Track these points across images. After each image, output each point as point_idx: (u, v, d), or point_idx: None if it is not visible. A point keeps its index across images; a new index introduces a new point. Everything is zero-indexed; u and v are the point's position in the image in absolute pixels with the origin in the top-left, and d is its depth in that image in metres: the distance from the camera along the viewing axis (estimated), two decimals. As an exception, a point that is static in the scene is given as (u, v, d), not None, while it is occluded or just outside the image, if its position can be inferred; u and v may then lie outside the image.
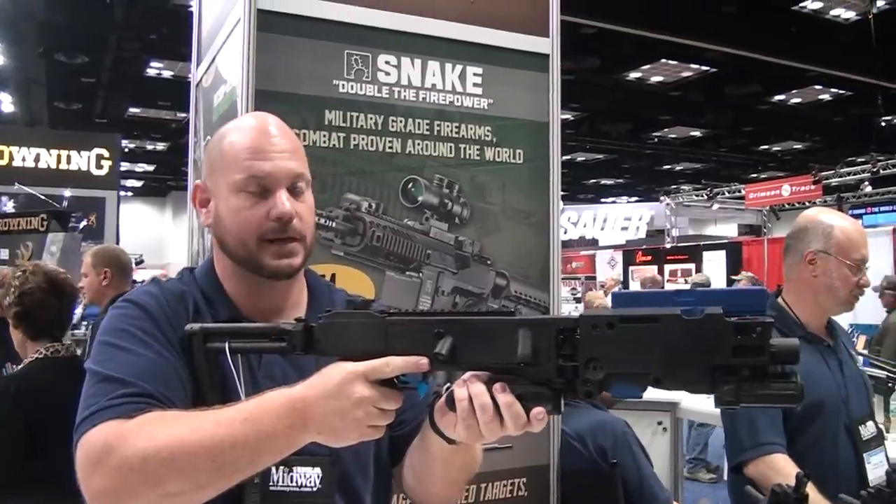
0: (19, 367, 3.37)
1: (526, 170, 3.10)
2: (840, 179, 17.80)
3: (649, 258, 17.87)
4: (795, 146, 23.32)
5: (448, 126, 2.96)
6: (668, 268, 15.56)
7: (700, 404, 5.22)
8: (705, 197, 20.75)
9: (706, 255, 16.37)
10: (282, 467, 1.47)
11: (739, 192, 20.12)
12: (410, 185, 2.88)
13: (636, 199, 31.13)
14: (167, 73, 16.05)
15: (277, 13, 2.69)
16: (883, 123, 16.02)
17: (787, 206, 18.85)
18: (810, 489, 2.22)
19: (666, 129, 21.58)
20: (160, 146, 23.28)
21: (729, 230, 27.14)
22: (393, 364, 1.23)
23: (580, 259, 21.27)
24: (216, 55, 3.17)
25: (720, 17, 12.18)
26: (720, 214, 25.39)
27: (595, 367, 1.13)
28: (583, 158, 24.58)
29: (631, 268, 18.03)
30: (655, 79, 16.80)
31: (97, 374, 1.40)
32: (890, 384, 4.22)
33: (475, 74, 3.01)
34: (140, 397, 1.35)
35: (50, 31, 13.14)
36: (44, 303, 3.33)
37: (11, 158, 13.24)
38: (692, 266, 16.05)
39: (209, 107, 3.30)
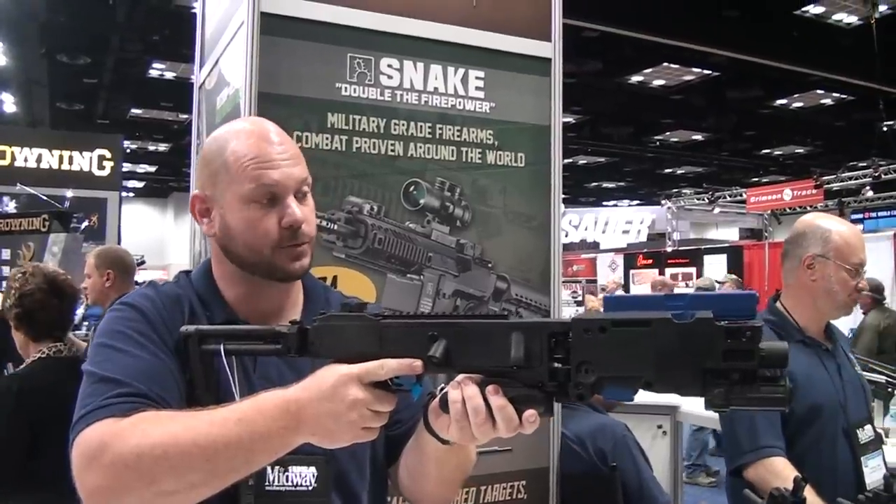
0: (21, 366, 3.38)
1: (527, 173, 3.11)
2: (841, 184, 17.81)
3: (650, 262, 17.85)
4: (797, 150, 23.32)
5: (450, 129, 2.97)
6: (668, 271, 15.54)
7: (700, 408, 5.19)
8: (706, 201, 20.75)
9: (707, 258, 16.36)
10: (277, 467, 1.48)
11: (741, 196, 20.12)
12: (412, 188, 2.89)
13: (637, 202, 31.15)
14: (169, 75, 16.07)
15: (281, 16, 2.70)
16: (885, 128, 15.99)
17: (788, 210, 18.85)
18: (808, 492, 2.23)
19: (668, 133, 21.58)
20: (162, 147, 23.30)
21: (730, 234, 27.12)
22: (387, 366, 1.24)
23: (581, 262, 21.26)
24: (219, 58, 3.18)
25: (722, 22, 12.19)
26: (721, 218, 25.38)
27: (587, 371, 1.14)
28: (584, 162, 24.58)
29: (632, 271, 18.01)
30: (657, 82, 16.81)
31: (93, 374, 1.41)
32: (890, 389, 4.23)
33: (477, 78, 3.02)
34: (135, 397, 1.36)
35: (52, 32, 13.15)
36: (44, 304, 3.34)
37: (13, 159, 13.25)
38: (693, 270, 16.04)
39: (212, 109, 3.31)
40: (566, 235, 25.23)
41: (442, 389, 1.28)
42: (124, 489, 1.26)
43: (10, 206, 11.65)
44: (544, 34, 3.17)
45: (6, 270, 8.54)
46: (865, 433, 2.70)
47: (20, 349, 3.39)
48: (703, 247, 17.74)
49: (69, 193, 12.58)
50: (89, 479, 1.28)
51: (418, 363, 1.24)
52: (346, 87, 2.80)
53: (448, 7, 2.99)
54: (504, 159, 3.07)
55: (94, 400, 1.36)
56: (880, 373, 4.32)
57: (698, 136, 21.84)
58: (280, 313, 1.63)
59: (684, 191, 25.77)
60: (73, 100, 17.93)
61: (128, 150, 21.42)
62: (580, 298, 15.71)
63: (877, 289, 9.20)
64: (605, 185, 29.95)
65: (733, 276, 12.86)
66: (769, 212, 20.03)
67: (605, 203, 32.66)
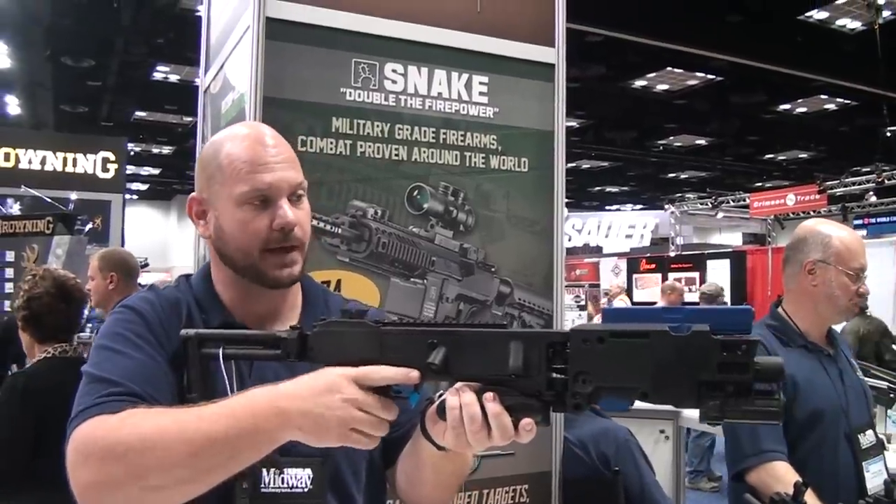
0: (27, 366, 3.40)
1: (531, 178, 3.12)
2: (845, 189, 17.78)
3: (653, 266, 17.82)
4: (800, 155, 23.31)
5: (454, 134, 2.98)
6: (671, 276, 15.49)
7: (702, 413, 5.19)
8: (710, 205, 20.73)
9: (710, 263, 16.34)
10: (273, 469, 1.49)
11: (744, 200, 20.09)
12: (416, 193, 2.90)
13: (641, 206, 31.13)
14: (173, 77, 16.09)
15: (286, 21, 2.72)
16: (888, 133, 15.98)
17: (791, 215, 18.81)
18: (809, 497, 2.24)
19: (671, 138, 21.57)
20: (166, 150, 23.32)
21: (733, 239, 27.11)
22: (384, 373, 1.26)
23: (584, 266, 21.23)
24: (224, 62, 3.20)
25: (726, 27, 12.19)
26: (725, 223, 25.35)
27: (584, 381, 1.16)
28: (588, 166, 24.58)
29: (635, 276, 17.99)
30: (661, 87, 16.81)
31: (90, 375, 1.44)
32: (892, 395, 4.23)
33: (481, 83, 3.04)
34: (127, 396, 1.38)
35: (57, 35, 13.18)
36: (52, 308, 3.36)
37: (18, 161, 13.28)
38: (696, 275, 16.02)
39: (217, 113, 3.32)
40: (569, 240, 25.20)
41: (440, 396, 1.28)
42: (113, 484, 1.27)
43: (15, 209, 11.68)
44: (548, 40, 3.18)
45: (9, 273, 8.58)
46: (867, 438, 2.71)
47: (26, 349, 3.41)
48: (706, 252, 17.72)
49: (73, 196, 12.61)
50: (81, 475, 1.29)
51: (415, 374, 1.26)
52: (350, 92, 2.81)
53: (452, 13, 3.00)
54: (507, 164, 3.08)
55: (89, 399, 1.38)
56: (882, 379, 4.33)
57: (702, 141, 21.83)
58: (277, 317, 1.64)
59: (688, 195, 25.74)
60: (77, 102, 17.95)
61: (131, 153, 21.44)
62: (583, 303, 15.71)
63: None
64: (608, 189, 29.95)
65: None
66: (772, 217, 20.00)
67: (608, 207, 32.65)
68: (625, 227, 25.50)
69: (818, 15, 12.69)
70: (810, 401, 2.63)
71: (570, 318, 12.95)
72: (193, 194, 1.67)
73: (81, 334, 3.87)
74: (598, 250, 23.60)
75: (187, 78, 15.35)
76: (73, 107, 18.23)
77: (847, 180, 17.50)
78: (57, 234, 8.74)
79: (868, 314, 9.41)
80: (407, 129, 2.90)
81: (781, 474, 2.49)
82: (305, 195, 1.63)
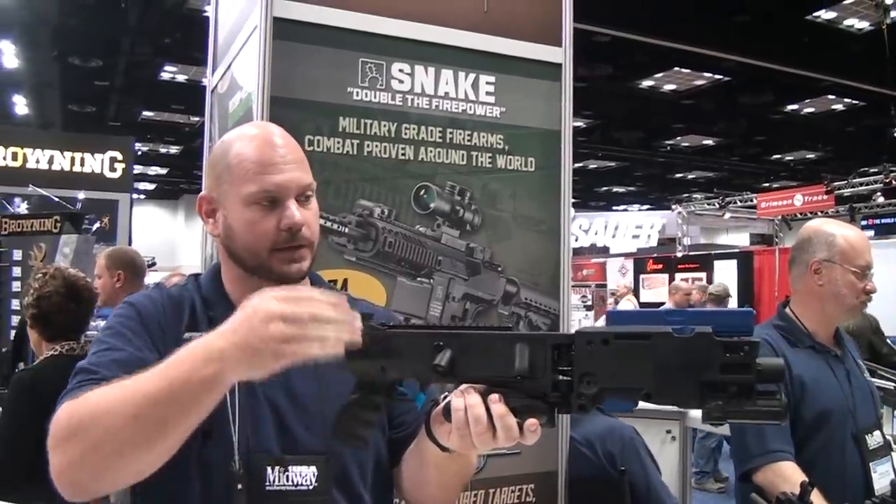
0: (35, 362, 3.42)
1: (537, 178, 3.12)
2: (852, 190, 17.73)
3: (660, 266, 17.79)
4: (808, 156, 23.27)
5: (460, 134, 2.98)
6: (679, 276, 15.48)
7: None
8: (717, 206, 20.70)
9: (717, 263, 16.30)
10: (277, 467, 1.50)
11: (751, 201, 20.07)
12: (423, 192, 2.91)
13: (648, 207, 31.10)
14: (181, 77, 16.12)
15: (293, 21, 2.72)
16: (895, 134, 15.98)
17: (799, 215, 18.78)
18: (816, 497, 2.24)
19: (678, 138, 21.55)
20: (173, 149, 23.38)
21: (741, 239, 27.07)
22: (311, 294, 1.24)
23: (591, 266, 21.22)
24: (232, 62, 3.20)
25: (734, 27, 12.18)
26: (732, 223, 25.34)
27: (589, 382, 1.17)
28: (595, 166, 24.56)
29: (642, 276, 17.97)
30: (668, 87, 16.80)
31: (77, 367, 1.48)
32: (899, 395, 4.23)
33: (488, 83, 3.04)
34: (97, 381, 1.38)
35: (64, 35, 13.22)
36: (61, 307, 3.36)
37: (25, 160, 13.31)
38: (703, 275, 15.99)
39: (224, 113, 3.33)
40: (576, 240, 25.18)
41: (446, 397, 1.29)
42: (76, 463, 1.28)
43: (22, 208, 11.70)
44: (555, 39, 3.18)
45: (17, 271, 8.59)
46: (874, 439, 2.71)
47: (33, 346, 3.43)
48: (713, 252, 17.69)
49: (81, 195, 12.62)
50: (52, 462, 1.30)
51: (343, 301, 1.24)
52: (357, 92, 2.82)
53: (459, 12, 3.00)
54: (514, 164, 3.08)
55: (70, 386, 1.42)
56: (889, 379, 4.32)
57: (709, 141, 21.81)
58: None
59: (695, 196, 25.72)
60: (84, 102, 18.00)
61: (139, 153, 21.48)
62: (590, 303, 15.70)
63: None
64: (615, 189, 29.93)
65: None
66: (780, 217, 19.97)
67: (615, 207, 32.62)
68: (632, 227, 25.49)
69: (826, 15, 12.67)
70: (817, 401, 2.63)
71: (577, 318, 12.96)
72: (203, 193, 1.69)
73: (89, 332, 3.88)
74: (604, 250, 23.60)
75: (195, 78, 15.38)
76: (81, 107, 18.28)
77: (854, 181, 17.45)
78: (64, 234, 8.74)
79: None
80: (414, 129, 2.90)
81: (788, 474, 2.49)
82: (314, 195, 1.64)
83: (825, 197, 17.53)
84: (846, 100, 17.29)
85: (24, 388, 3.20)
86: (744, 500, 2.47)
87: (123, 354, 1.48)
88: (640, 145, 21.46)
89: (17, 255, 8.82)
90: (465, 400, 1.24)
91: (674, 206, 21.66)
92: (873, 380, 3.01)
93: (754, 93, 16.04)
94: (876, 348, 8.24)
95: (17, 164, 13.23)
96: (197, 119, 17.98)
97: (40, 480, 3.06)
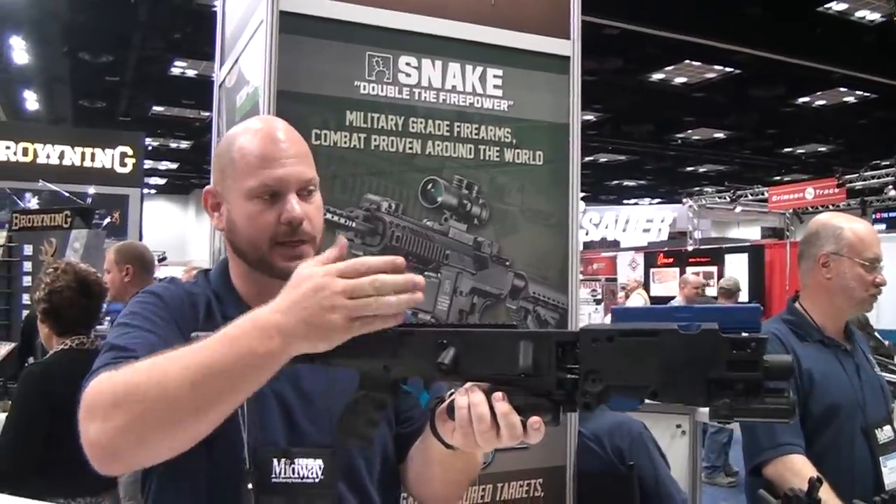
0: (45, 356, 3.43)
1: (545, 171, 3.11)
2: (864, 183, 17.66)
3: (671, 260, 17.72)
4: (819, 149, 23.18)
5: (468, 127, 2.97)
6: (689, 270, 15.42)
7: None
8: (728, 199, 20.64)
9: (728, 257, 16.24)
10: (283, 459, 1.49)
11: (762, 194, 20.00)
12: (430, 186, 2.90)
13: (658, 200, 31.03)
14: (191, 72, 16.15)
15: (300, 15, 2.71)
16: (908, 126, 15.91)
17: (810, 209, 18.72)
18: (826, 492, 2.23)
19: (689, 131, 21.50)
20: (184, 144, 23.44)
21: (752, 233, 26.98)
22: (368, 264, 1.21)
23: (601, 260, 21.20)
24: (239, 56, 3.20)
25: (744, 19, 12.13)
26: (743, 217, 25.26)
27: (594, 380, 1.16)
28: (605, 160, 24.53)
29: (652, 270, 17.91)
30: (679, 80, 16.75)
31: (107, 345, 1.47)
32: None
33: (495, 76, 3.02)
34: (131, 358, 1.36)
35: (75, 31, 13.27)
36: (73, 302, 3.38)
37: (36, 155, 13.37)
38: (714, 269, 15.94)
39: (232, 107, 3.33)
40: (586, 234, 25.17)
41: (451, 394, 1.28)
42: (119, 432, 1.24)
43: (33, 203, 11.75)
44: (563, 32, 3.16)
45: (28, 266, 8.62)
46: (884, 433, 2.69)
47: (44, 340, 3.44)
48: (724, 246, 17.63)
49: (91, 190, 12.67)
50: (89, 430, 1.27)
51: (400, 260, 1.22)
52: (364, 86, 2.81)
53: (466, 5, 2.99)
54: (522, 157, 3.06)
55: (99, 363, 1.41)
56: (900, 374, 4.29)
57: (720, 134, 21.75)
58: None
59: (706, 189, 25.66)
60: (95, 97, 18.06)
61: (150, 148, 21.56)
62: (599, 297, 15.67)
63: None
64: (625, 183, 29.88)
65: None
66: (791, 211, 19.91)
67: (625, 201, 32.58)
68: (642, 221, 25.46)
69: (837, 7, 12.61)
70: (827, 395, 2.62)
71: (587, 312, 12.95)
72: (208, 187, 1.70)
73: (99, 327, 3.89)
74: (615, 244, 23.56)
75: (205, 73, 15.40)
76: (92, 102, 18.34)
77: (866, 174, 17.37)
78: (75, 228, 8.77)
79: None
80: (421, 123, 2.89)
81: (798, 467, 2.48)
82: (317, 190, 1.64)
83: (836, 190, 17.45)
84: (858, 92, 17.21)
85: (34, 382, 3.22)
86: (753, 493, 2.46)
87: (151, 337, 1.48)
88: (651, 139, 21.41)
89: (28, 250, 8.86)
90: (468, 398, 1.24)
91: (684, 200, 21.60)
92: (883, 374, 2.99)
93: (765, 85, 15.99)
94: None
95: (28, 159, 13.30)
96: (207, 114, 17.98)
97: (49, 474, 3.09)
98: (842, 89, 17.02)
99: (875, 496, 2.33)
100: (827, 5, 12.53)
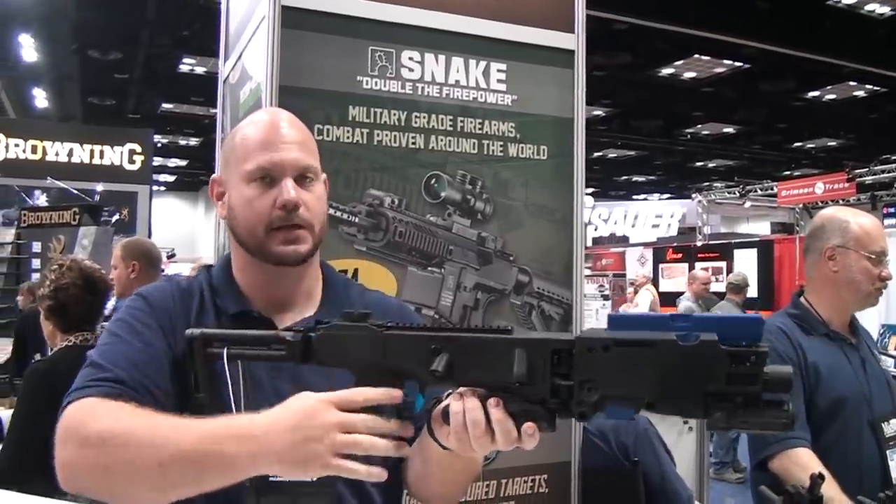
0: (49, 353, 3.43)
1: (550, 166, 3.09)
2: (874, 177, 17.55)
3: (680, 256, 17.66)
4: (829, 143, 23.10)
5: (471, 122, 2.95)
6: (698, 265, 15.36)
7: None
8: (737, 194, 20.56)
9: (737, 252, 16.17)
10: None
11: (772, 189, 19.93)
12: (433, 181, 2.89)
13: (668, 196, 30.96)
14: (199, 70, 16.16)
15: (302, 9, 2.70)
16: (919, 121, 15.82)
17: (820, 203, 18.61)
18: (832, 487, 2.22)
19: (699, 126, 21.44)
20: (193, 141, 23.46)
21: (761, 228, 26.89)
22: (366, 395, 1.25)
23: (610, 256, 21.15)
24: (242, 52, 3.19)
25: (753, 13, 12.06)
26: (752, 212, 25.19)
27: (590, 389, 1.14)
28: (614, 155, 24.48)
29: (661, 265, 17.87)
30: (688, 75, 16.69)
31: (89, 358, 1.50)
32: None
33: (499, 70, 3.00)
34: (112, 382, 1.42)
35: (83, 28, 13.29)
36: (79, 299, 3.37)
37: (45, 153, 13.43)
38: (723, 264, 15.88)
39: (236, 103, 3.32)
40: (595, 229, 25.13)
41: (448, 395, 1.27)
42: (84, 469, 1.33)
43: (42, 200, 11.79)
44: (567, 25, 3.14)
45: (36, 263, 8.66)
46: (891, 427, 2.67)
47: (47, 337, 3.44)
48: (733, 241, 17.56)
49: (99, 187, 12.72)
50: (61, 453, 1.36)
51: (398, 393, 1.25)
52: (367, 81, 2.80)
53: (470, -1, 2.97)
54: (526, 152, 3.05)
55: (80, 382, 1.44)
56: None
57: (729, 129, 21.69)
58: (293, 304, 1.64)
59: (715, 184, 25.58)
60: (104, 95, 18.09)
61: (159, 145, 21.60)
62: (607, 293, 15.63)
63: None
64: (635, 178, 29.83)
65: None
66: (801, 205, 19.83)
67: (635, 197, 32.50)
68: (651, 216, 25.41)
69: (847, 0, 12.53)
70: (833, 388, 2.61)
71: (594, 307, 12.91)
72: (214, 175, 1.72)
73: (104, 323, 3.90)
74: (624, 240, 23.51)
75: (213, 70, 15.35)
76: (101, 99, 18.38)
77: (876, 168, 17.27)
78: (83, 225, 8.83)
79: None
80: (424, 118, 2.88)
81: (805, 462, 2.46)
82: (318, 181, 1.63)
83: (846, 185, 17.36)
84: (868, 86, 17.13)
85: (39, 379, 3.22)
86: (758, 487, 2.45)
87: (132, 349, 1.49)
88: (660, 134, 21.36)
89: (37, 246, 8.92)
90: (463, 404, 1.23)
91: (694, 195, 21.54)
92: (890, 369, 2.97)
93: (775, 80, 15.92)
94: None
95: (37, 156, 13.36)
96: (216, 111, 17.92)
97: (54, 472, 3.08)
98: (852, 83, 16.94)
99: (883, 490, 2.32)
100: (836, -1, 12.47)
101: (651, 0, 11.28)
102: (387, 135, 2.82)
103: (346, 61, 2.77)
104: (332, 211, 2.66)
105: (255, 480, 1.44)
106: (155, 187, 21.03)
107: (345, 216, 2.73)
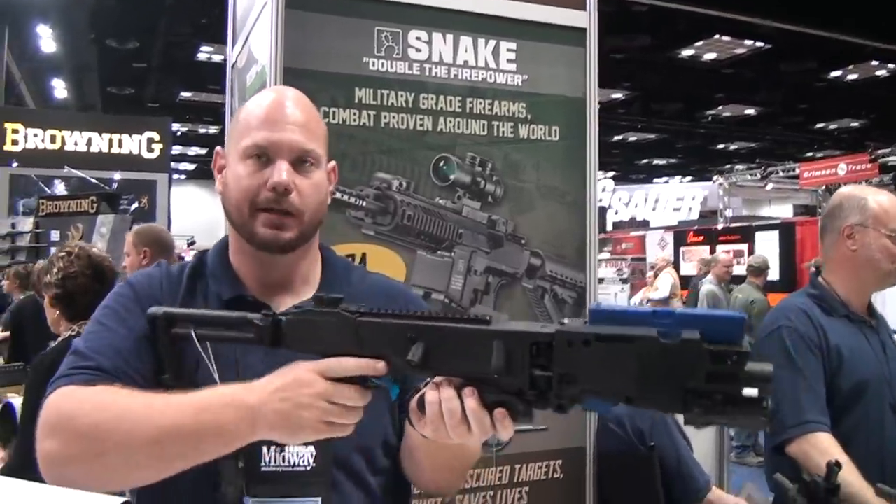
0: (55, 342, 3.40)
1: (562, 147, 3.04)
2: (898, 158, 17.42)
3: (701, 239, 17.57)
4: (852, 124, 22.87)
5: (481, 103, 2.90)
6: (720, 248, 15.25)
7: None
8: (759, 176, 20.41)
9: (759, 235, 16.05)
10: (273, 447, 1.44)
11: (794, 171, 19.77)
12: (442, 164, 2.84)
13: (689, 179, 30.78)
14: (217, 58, 16.13)
15: (306, -10, 2.66)
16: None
17: (842, 185, 18.47)
18: (852, 473, 2.17)
19: (720, 108, 21.30)
20: (212, 129, 23.51)
21: (784, 211, 26.70)
22: (346, 364, 1.24)
23: (630, 240, 21.04)
24: (248, 35, 3.16)
25: (774, -8, 11.94)
26: (774, 195, 25.00)
27: (569, 382, 1.12)
28: (634, 138, 24.36)
29: (682, 248, 17.76)
30: (709, 56, 16.56)
31: (73, 346, 1.49)
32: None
33: (509, 50, 2.95)
34: (93, 370, 1.41)
35: (101, 17, 13.32)
36: (87, 288, 3.34)
37: (64, 143, 13.47)
38: (745, 247, 15.76)
39: (243, 87, 3.29)
40: (616, 213, 25.03)
41: (426, 384, 1.24)
42: (73, 458, 1.31)
43: (61, 189, 11.85)
44: (579, 3, 3.07)
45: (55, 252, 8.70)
46: None
47: (51, 324, 3.40)
48: (754, 223, 17.43)
49: (117, 176, 12.76)
50: (44, 445, 1.33)
51: (381, 364, 1.24)
52: (373, 62, 2.75)
53: (478, -23, 2.92)
54: (537, 133, 2.99)
55: (62, 370, 1.44)
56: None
57: (751, 111, 21.52)
58: (289, 288, 1.59)
59: (737, 167, 25.40)
60: (123, 84, 18.18)
61: (178, 133, 21.70)
62: (625, 276, 15.55)
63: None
64: (655, 161, 29.67)
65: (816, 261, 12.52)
66: (823, 187, 19.66)
67: (656, 180, 32.33)
68: (672, 199, 25.27)
69: (869, -23, 12.37)
70: (855, 371, 2.55)
71: (613, 291, 12.86)
72: (218, 147, 1.68)
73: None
74: (645, 224, 23.41)
75: (231, 57, 15.40)
76: (120, 89, 18.47)
77: (899, 148, 17.12)
78: (101, 214, 8.86)
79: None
80: (432, 99, 2.83)
81: (825, 446, 2.41)
82: (319, 168, 1.57)
83: (869, 166, 17.23)
84: (891, 65, 16.95)
85: (45, 370, 3.19)
86: (774, 472, 2.40)
87: (116, 337, 1.47)
88: (681, 116, 21.26)
89: (55, 235, 8.95)
90: (439, 394, 1.20)
91: (715, 178, 21.40)
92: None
93: (796, 60, 15.80)
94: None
95: (56, 146, 13.40)
96: (231, 98, 18.05)
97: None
98: (874, 63, 16.76)
99: (902, 478, 2.27)
100: (858, -24, 12.29)
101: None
102: (394, 117, 2.77)
103: (352, 42, 2.72)
104: (338, 195, 2.62)
105: (247, 469, 1.41)
106: (175, 176, 21.12)
107: (352, 200, 2.69)
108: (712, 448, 5.21)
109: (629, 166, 29.96)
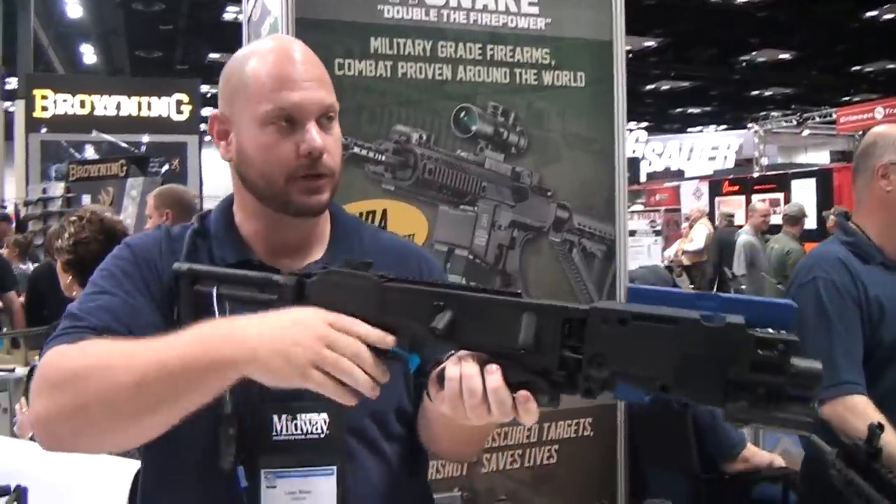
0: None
1: (588, 94, 2.94)
2: (938, 100, 17.05)
3: (736, 188, 17.33)
4: (889, 66, 22.41)
5: (502, 49, 2.81)
6: (755, 197, 15.02)
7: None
8: (795, 123, 20.08)
9: (795, 183, 15.78)
10: (284, 415, 1.38)
11: (831, 116, 19.41)
12: (463, 115, 2.76)
13: (724, 127, 30.39)
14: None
15: (318, -64, 2.57)
16: None
17: (882, 129, 18.13)
18: (892, 437, 2.06)
19: (754, 53, 20.98)
20: (240, 90, 23.55)
21: (820, 157, 26.28)
22: (357, 325, 1.15)
23: (664, 191, 20.81)
24: (262, -14, 3.07)
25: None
26: (811, 141, 24.59)
27: (600, 364, 1.02)
28: (667, 87, 24.07)
29: (717, 198, 17.54)
30: (741, -1, 16.26)
31: (67, 310, 1.41)
32: None
33: (531, -8, 2.85)
34: (85, 329, 1.33)
35: (126, -21, 13.28)
36: (99, 254, 3.27)
37: (93, 108, 13.49)
38: (781, 195, 15.52)
39: (257, 41, 3.21)
40: (650, 164, 24.77)
41: (450, 356, 1.16)
42: (58, 413, 1.23)
43: (90, 154, 11.90)
44: (604, -58, 2.96)
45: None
46: None
47: (64, 289, 3.37)
48: (790, 171, 17.15)
49: (145, 139, 12.78)
50: (35, 406, 1.26)
51: (391, 338, 1.15)
52: (389, 9, 2.67)
53: (497, -84, 2.81)
54: (562, 79, 2.89)
55: (55, 333, 1.36)
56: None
57: (786, 55, 21.17)
58: (302, 251, 1.51)
59: (772, 113, 25.02)
60: (151, 48, 18.21)
61: (208, 95, 21.66)
62: (658, 228, 15.37)
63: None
64: (690, 110, 29.33)
65: (841, 209, 12.29)
66: (861, 132, 19.29)
67: (690, 129, 31.96)
68: (707, 148, 24.96)
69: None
70: (895, 325, 2.42)
71: (646, 243, 12.72)
72: (215, 111, 1.54)
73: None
74: (679, 174, 23.15)
75: (256, 16, 15.34)
76: (148, 52, 18.50)
77: (941, 90, 16.75)
78: (131, 177, 8.89)
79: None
80: (451, 46, 2.74)
81: (861, 409, 2.29)
82: (336, 119, 1.48)
83: (908, 109, 16.87)
84: (930, 4, 16.55)
85: None
86: (809, 437, 2.29)
87: (113, 300, 1.40)
88: (715, 63, 20.94)
89: (86, 199, 8.98)
90: (460, 369, 1.11)
91: (750, 125, 21.09)
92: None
93: (831, 0, 15.41)
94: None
95: (85, 111, 13.42)
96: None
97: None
98: (913, 1, 16.39)
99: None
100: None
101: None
102: (412, 66, 2.69)
103: (366, -10, 2.64)
104: (356, 149, 2.55)
105: (259, 440, 1.35)
106: (207, 138, 21.08)
107: (371, 154, 2.61)
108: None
109: (662, 116, 29.66)
